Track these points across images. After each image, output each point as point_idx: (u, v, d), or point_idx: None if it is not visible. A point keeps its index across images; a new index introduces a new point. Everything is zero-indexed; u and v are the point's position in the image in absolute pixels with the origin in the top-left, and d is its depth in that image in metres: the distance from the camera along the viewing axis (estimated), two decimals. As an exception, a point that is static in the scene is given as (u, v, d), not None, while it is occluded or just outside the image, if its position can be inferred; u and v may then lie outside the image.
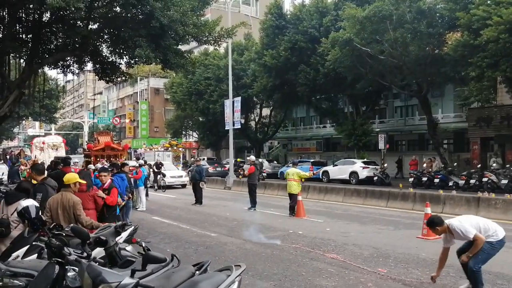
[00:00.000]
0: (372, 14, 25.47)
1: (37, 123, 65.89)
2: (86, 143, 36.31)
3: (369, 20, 25.87)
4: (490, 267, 8.14)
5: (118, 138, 67.11)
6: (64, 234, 5.36)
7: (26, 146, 65.78)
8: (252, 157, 19.30)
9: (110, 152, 24.02)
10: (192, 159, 47.82)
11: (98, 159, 22.75)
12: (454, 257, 8.21)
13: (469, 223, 6.60)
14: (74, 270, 4.11)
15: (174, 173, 29.65)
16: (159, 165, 27.51)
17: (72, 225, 5.66)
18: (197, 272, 4.78)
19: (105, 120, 67.07)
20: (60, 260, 4.29)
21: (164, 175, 27.38)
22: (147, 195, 20.29)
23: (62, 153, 31.44)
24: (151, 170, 25.74)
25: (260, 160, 33.51)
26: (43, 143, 33.07)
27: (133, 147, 60.02)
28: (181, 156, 50.65)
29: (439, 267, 7.10)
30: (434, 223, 6.80)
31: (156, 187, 26.76)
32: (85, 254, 4.55)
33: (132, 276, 3.90)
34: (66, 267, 4.21)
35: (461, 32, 23.84)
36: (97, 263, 4.30)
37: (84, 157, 25.78)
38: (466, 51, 22.50)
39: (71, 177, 7.01)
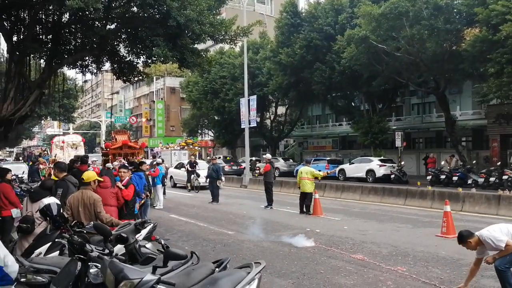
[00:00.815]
0: (388, 11, 25.27)
1: (55, 123, 66.69)
2: (104, 142, 36.70)
3: (385, 17, 25.67)
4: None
5: (135, 137, 67.57)
6: (85, 232, 5.45)
7: (45, 145, 66.64)
8: (268, 155, 19.32)
9: (128, 151, 24.21)
10: (208, 157, 47.93)
11: (116, 157, 22.95)
12: (473, 255, 8.16)
13: (499, 230, 6.30)
14: (96, 266, 4.15)
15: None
16: (193, 164, 25.30)
17: (94, 222, 5.73)
18: (216, 269, 4.81)
19: (122, 119, 67.62)
20: (82, 256, 4.36)
21: (198, 175, 24.93)
22: (164, 193, 20.43)
23: (81, 152, 31.80)
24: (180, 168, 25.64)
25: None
26: (63, 142, 33.53)
27: (149, 146, 60.43)
28: (197, 154, 50.85)
29: (468, 277, 6.83)
30: (464, 237, 6.53)
31: (189, 188, 25.05)
32: (106, 251, 4.60)
33: (153, 272, 3.95)
34: (89, 263, 4.27)
35: (479, 28, 23.54)
36: (119, 260, 4.35)
37: (102, 155, 26.00)
38: (485, 46, 22.23)
39: (91, 175, 7.11)
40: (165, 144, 53.61)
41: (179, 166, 28.33)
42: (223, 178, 21.66)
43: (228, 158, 46.37)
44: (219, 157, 44.11)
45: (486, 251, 6.49)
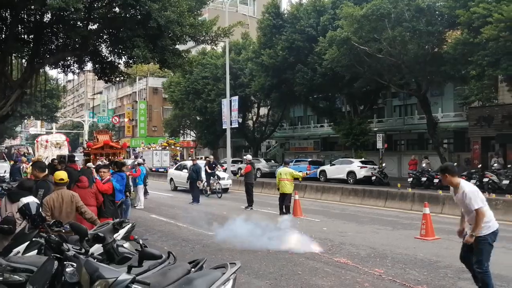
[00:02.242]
0: (370, 13, 25.45)
1: (38, 122, 66.07)
2: (86, 142, 36.42)
3: (367, 18, 25.85)
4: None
5: (118, 137, 67.14)
6: (63, 231, 5.45)
7: (29, 144, 65.84)
8: (249, 156, 19.37)
9: (109, 151, 24.16)
10: (190, 158, 47.88)
11: (97, 157, 22.86)
12: (453, 257, 8.29)
13: (481, 195, 6.23)
14: (72, 266, 4.17)
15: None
16: (212, 165, 22.71)
17: (71, 221, 5.73)
18: (193, 269, 4.85)
19: (104, 119, 67.24)
20: (59, 256, 4.36)
21: (219, 177, 22.82)
22: (147, 193, 20.44)
23: (65, 151, 31.50)
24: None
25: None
26: (47, 141, 33.17)
27: (131, 146, 60.16)
28: (179, 155, 50.74)
29: (461, 221, 6.66)
30: (447, 170, 6.46)
31: (208, 192, 22.29)
32: (83, 250, 4.61)
33: (129, 272, 3.97)
34: (65, 262, 4.27)
35: (461, 30, 23.83)
36: (95, 259, 4.37)
37: (84, 155, 25.87)
38: (466, 49, 22.44)
39: (64, 175, 7.09)
40: (147, 144, 53.43)
41: (181, 167, 26.32)
42: (204, 178, 21.68)
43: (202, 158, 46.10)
44: (201, 158, 44.07)
45: (460, 204, 6.48)
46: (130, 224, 6.99)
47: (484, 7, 21.09)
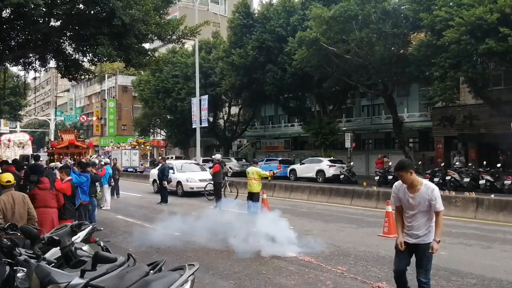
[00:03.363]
0: (338, 14, 25.75)
1: (1, 121, 64.54)
2: (50, 141, 35.75)
3: (335, 20, 26.14)
4: (446, 263, 8.40)
5: (86, 136, 66.28)
6: (18, 234, 5.33)
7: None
8: (218, 156, 19.30)
9: (74, 150, 23.76)
10: (160, 157, 47.52)
11: (62, 156, 22.45)
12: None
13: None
14: (23, 271, 4.09)
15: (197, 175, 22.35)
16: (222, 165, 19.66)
17: (21, 225, 5.62)
18: (151, 271, 4.79)
19: (72, 117, 66.03)
20: (10, 260, 4.27)
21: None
22: (118, 194, 20.38)
23: (28, 150, 30.84)
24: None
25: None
26: (9, 140, 32.41)
27: (100, 145, 59.36)
28: (149, 154, 50.29)
29: (399, 232, 5.86)
30: (410, 166, 5.63)
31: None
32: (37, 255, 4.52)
33: (82, 276, 3.90)
34: (16, 268, 4.18)
35: (424, 33, 24.31)
36: (51, 264, 4.28)
37: (48, 155, 25.36)
38: (430, 51, 22.88)
39: (9, 176, 6.97)
40: (116, 143, 52.78)
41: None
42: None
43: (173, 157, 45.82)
44: (172, 157, 43.77)
45: (417, 205, 5.60)
46: (91, 226, 6.87)
47: (446, 11, 21.53)
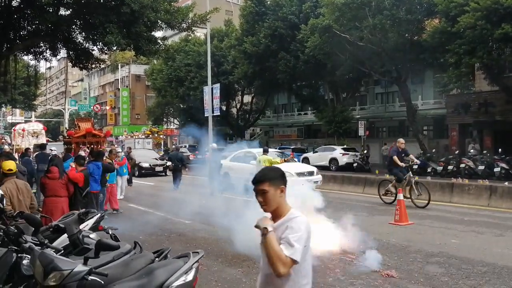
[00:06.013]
0: (351, 1, 25.45)
1: (17, 111, 65.15)
2: (66, 130, 35.89)
3: (348, 6, 25.84)
4: (457, 252, 8.31)
5: (100, 126, 66.66)
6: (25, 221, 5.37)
7: (7, 133, 65.00)
8: (214, 145, 19.29)
9: (92, 139, 23.68)
10: (173, 146, 47.68)
11: (80, 146, 22.46)
12: (423, 242, 8.41)
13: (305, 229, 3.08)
14: (28, 258, 4.11)
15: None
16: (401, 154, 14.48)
17: (25, 213, 5.65)
18: (156, 259, 4.80)
19: (86, 107, 66.43)
20: (16, 247, 4.30)
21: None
22: (131, 182, 20.60)
23: (43, 140, 30.94)
24: None
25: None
26: (23, 130, 32.62)
27: (114, 134, 59.67)
28: (162, 143, 50.50)
29: None
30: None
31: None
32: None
33: (85, 263, 3.90)
34: (22, 255, 4.21)
35: (439, 19, 23.96)
36: (59, 252, 4.30)
37: (64, 144, 25.42)
38: (444, 37, 22.56)
39: (11, 164, 7.02)
40: (129, 132, 53.04)
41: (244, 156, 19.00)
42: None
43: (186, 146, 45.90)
44: (185, 146, 43.86)
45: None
46: (99, 214, 6.90)
47: (462, -4, 21.16)
